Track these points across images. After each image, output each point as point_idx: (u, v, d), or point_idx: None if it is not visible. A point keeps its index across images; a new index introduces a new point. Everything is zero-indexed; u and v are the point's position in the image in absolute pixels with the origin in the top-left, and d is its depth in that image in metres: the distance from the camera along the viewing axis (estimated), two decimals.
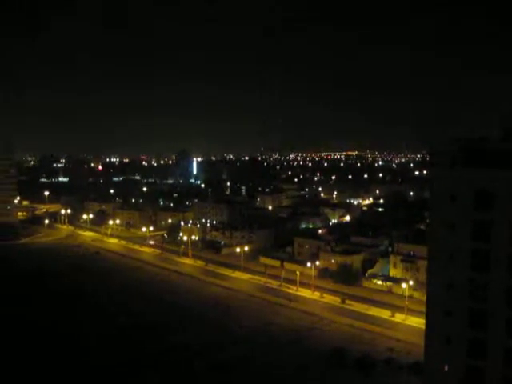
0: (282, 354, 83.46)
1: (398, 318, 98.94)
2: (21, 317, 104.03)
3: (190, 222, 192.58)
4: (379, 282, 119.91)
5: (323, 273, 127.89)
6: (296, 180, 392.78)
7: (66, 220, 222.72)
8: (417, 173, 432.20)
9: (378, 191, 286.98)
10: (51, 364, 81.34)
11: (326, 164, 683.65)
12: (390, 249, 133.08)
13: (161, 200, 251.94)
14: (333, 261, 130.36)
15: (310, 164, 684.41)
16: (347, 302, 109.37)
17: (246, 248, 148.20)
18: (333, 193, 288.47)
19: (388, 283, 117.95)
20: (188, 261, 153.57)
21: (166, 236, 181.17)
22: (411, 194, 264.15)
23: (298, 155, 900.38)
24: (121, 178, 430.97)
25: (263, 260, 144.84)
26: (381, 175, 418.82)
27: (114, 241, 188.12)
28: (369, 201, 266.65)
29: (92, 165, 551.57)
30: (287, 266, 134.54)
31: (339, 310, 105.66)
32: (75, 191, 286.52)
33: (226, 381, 75.16)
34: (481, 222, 52.83)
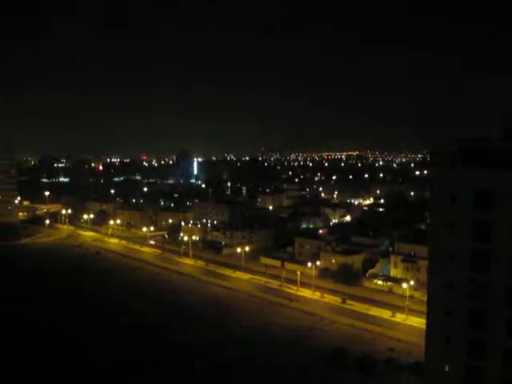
0: (283, 354, 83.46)
1: (399, 318, 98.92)
2: (21, 317, 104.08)
3: (191, 222, 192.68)
4: (380, 282, 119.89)
5: (324, 273, 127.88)
6: (296, 180, 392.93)
7: (67, 220, 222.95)
8: (417, 173, 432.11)
9: (378, 191, 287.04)
10: (51, 364, 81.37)
11: (326, 164, 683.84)
12: (390, 249, 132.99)
13: (161, 200, 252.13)
14: (333, 261, 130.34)
15: (310, 164, 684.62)
16: (348, 302, 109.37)
17: (247, 248, 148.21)
18: (333, 193, 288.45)
19: (389, 283, 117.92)
20: (189, 261, 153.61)
21: (166, 236, 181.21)
22: (412, 194, 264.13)
23: (298, 155, 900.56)
24: (121, 178, 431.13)
25: (264, 260, 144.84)
26: (381, 175, 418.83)
27: (114, 241, 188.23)
28: (369, 201, 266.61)
29: (92, 165, 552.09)
30: (288, 266, 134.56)
31: (340, 310, 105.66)
32: (76, 191, 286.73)
33: (226, 381, 75.17)
34: (481, 222, 52.81)
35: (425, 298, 60.73)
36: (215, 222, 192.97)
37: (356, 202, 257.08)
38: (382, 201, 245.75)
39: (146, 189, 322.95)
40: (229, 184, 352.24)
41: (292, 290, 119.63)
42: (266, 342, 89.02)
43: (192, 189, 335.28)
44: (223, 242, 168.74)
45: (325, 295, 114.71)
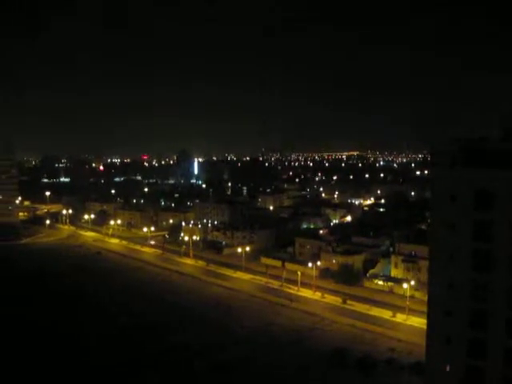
0: (283, 355, 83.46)
1: (400, 318, 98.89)
2: (21, 317, 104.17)
3: (192, 222, 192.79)
4: (380, 283, 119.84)
5: (324, 273, 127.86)
6: (297, 180, 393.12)
7: (68, 220, 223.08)
8: (418, 173, 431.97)
9: (379, 191, 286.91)
10: (51, 364, 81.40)
11: (327, 164, 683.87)
12: (391, 249, 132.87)
13: (162, 200, 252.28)
14: (334, 261, 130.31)
15: (311, 164, 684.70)
16: (348, 302, 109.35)
17: (248, 248, 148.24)
18: (334, 193, 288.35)
19: (389, 283, 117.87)
20: (189, 261, 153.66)
21: (167, 236, 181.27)
22: (412, 194, 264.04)
23: (299, 155, 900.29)
24: (122, 179, 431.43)
25: (264, 260, 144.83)
26: (382, 175, 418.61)
27: (115, 241, 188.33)
28: (370, 201, 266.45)
29: (93, 165, 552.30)
30: (288, 266, 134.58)
31: (340, 310, 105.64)
32: (76, 191, 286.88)
33: (226, 381, 75.17)
34: (481, 222, 52.80)
35: (425, 298, 60.73)
36: (216, 222, 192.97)
37: (357, 202, 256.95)
38: (382, 201, 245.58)
39: (146, 189, 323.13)
40: (229, 184, 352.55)
41: (293, 290, 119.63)
42: (267, 342, 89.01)
43: (192, 189, 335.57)
44: (224, 242, 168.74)
45: (325, 295, 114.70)
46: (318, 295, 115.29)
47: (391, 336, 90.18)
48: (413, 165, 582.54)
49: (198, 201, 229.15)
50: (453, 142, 57.93)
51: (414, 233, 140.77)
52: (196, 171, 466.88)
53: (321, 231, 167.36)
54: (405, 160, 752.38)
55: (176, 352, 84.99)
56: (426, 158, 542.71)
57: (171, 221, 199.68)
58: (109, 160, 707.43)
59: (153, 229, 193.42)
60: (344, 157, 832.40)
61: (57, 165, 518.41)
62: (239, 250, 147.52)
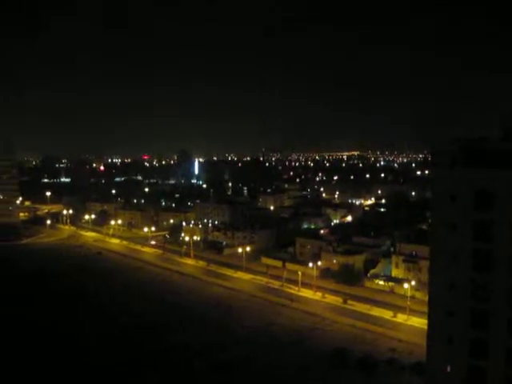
0: (284, 355, 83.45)
1: (400, 318, 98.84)
2: (21, 317, 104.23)
3: (192, 222, 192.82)
4: (381, 283, 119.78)
5: (325, 273, 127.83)
6: (298, 180, 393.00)
7: (68, 220, 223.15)
8: (418, 173, 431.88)
9: (379, 191, 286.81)
10: (51, 364, 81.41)
11: (327, 164, 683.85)
12: (391, 249, 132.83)
13: (163, 200, 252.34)
14: (335, 261, 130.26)
15: (311, 164, 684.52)
16: (349, 302, 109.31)
17: (248, 248, 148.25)
18: (335, 193, 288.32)
19: (390, 283, 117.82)
20: (190, 261, 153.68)
21: (167, 236, 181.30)
22: (413, 194, 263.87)
23: (299, 155, 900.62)
24: (123, 179, 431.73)
25: (265, 260, 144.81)
26: (382, 175, 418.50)
27: (115, 241, 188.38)
28: (371, 201, 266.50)
29: (94, 165, 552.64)
30: (289, 266, 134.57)
31: (341, 310, 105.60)
32: (77, 192, 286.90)
33: (227, 381, 75.15)
34: (481, 222, 52.78)
35: (426, 299, 60.68)
36: (216, 223, 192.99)
37: (357, 202, 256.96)
38: (383, 201, 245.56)
39: (147, 189, 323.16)
40: (230, 184, 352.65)
41: (293, 290, 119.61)
42: (268, 342, 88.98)
43: (193, 189, 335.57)
44: (224, 243, 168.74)
45: (326, 295, 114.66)
46: (318, 295, 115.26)
47: (392, 336, 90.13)
48: (413, 165, 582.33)
49: (198, 201, 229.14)
50: (453, 142, 57.90)
51: (414, 233, 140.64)
52: (196, 171, 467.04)
53: (321, 231, 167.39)
54: (405, 160, 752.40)
55: (176, 352, 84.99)
56: (426, 158, 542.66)
57: (172, 221, 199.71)
58: (109, 160, 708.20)
59: (153, 229, 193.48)
60: (345, 157, 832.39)
61: (57, 165, 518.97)
62: (240, 250, 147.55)
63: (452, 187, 54.94)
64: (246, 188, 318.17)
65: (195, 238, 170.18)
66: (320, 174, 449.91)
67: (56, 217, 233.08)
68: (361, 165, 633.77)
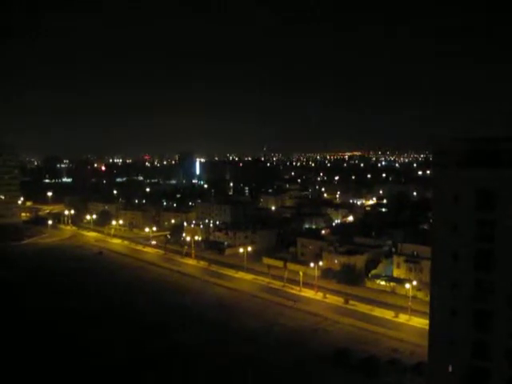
0: (286, 355, 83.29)
1: (402, 318, 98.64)
2: (22, 317, 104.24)
3: (193, 222, 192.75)
4: (383, 283, 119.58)
5: (326, 273, 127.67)
6: (299, 180, 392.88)
7: (70, 221, 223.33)
8: (420, 173, 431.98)
9: (381, 191, 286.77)
10: (51, 364, 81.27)
11: (328, 164, 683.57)
12: (393, 249, 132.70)
13: (164, 200, 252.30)
14: (336, 261, 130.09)
15: (312, 164, 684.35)
16: (350, 302, 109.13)
17: (249, 248, 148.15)
18: (336, 193, 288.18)
19: (391, 284, 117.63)
20: (191, 261, 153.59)
21: (169, 236, 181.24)
22: (414, 194, 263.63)
23: (300, 155, 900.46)
24: (124, 179, 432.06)
25: (266, 260, 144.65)
26: (384, 175, 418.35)
27: (117, 241, 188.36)
28: (372, 201, 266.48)
29: (95, 165, 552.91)
30: (290, 266, 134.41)
31: (343, 310, 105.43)
32: (79, 192, 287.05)
33: (227, 381, 75.06)
34: (484, 222, 52.66)
35: (428, 299, 60.59)
36: (217, 223, 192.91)
37: (358, 203, 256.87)
38: (384, 201, 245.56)
39: (148, 189, 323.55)
40: (231, 184, 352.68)
41: (295, 290, 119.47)
42: (269, 342, 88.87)
43: (194, 189, 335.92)
44: (226, 243, 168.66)
45: (327, 296, 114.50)
46: (320, 295, 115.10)
47: (394, 336, 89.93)
48: (415, 165, 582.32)
49: (199, 201, 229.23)
50: (455, 141, 57.80)
51: (416, 233, 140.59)
52: (198, 171, 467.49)
53: (323, 231, 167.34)
54: (407, 160, 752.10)
55: (177, 352, 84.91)
56: (428, 158, 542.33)
57: (173, 221, 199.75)
58: (110, 160, 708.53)
59: (155, 229, 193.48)
60: (346, 157, 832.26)
61: (59, 165, 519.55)
62: (241, 250, 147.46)
63: (454, 187, 54.84)
64: (247, 188, 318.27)
65: (196, 238, 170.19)
66: (321, 174, 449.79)
67: (57, 217, 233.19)
68: (362, 165, 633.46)
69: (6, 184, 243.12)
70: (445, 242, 56.05)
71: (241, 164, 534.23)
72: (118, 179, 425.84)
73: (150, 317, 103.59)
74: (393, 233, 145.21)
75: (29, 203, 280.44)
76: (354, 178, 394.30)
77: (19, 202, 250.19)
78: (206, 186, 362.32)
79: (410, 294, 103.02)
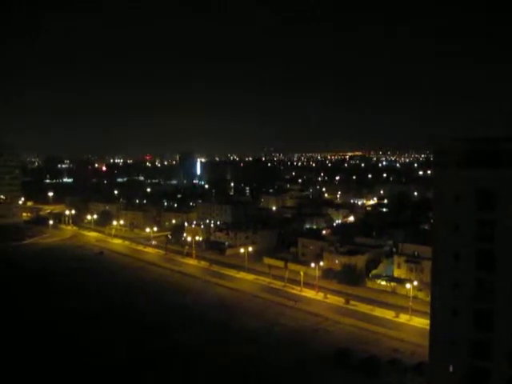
0: (287, 355, 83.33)
1: (403, 318, 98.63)
2: (22, 316, 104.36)
3: (194, 222, 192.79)
4: (383, 283, 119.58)
5: (327, 273, 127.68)
6: (300, 180, 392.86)
7: (70, 221, 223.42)
8: (421, 173, 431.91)
9: (381, 191, 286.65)
10: (51, 364, 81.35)
11: (329, 164, 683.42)
12: (394, 249, 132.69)
13: (165, 200, 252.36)
14: (337, 261, 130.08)
15: (313, 164, 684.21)
16: (351, 302, 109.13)
17: (250, 248, 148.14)
18: (337, 193, 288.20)
19: (392, 284, 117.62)
20: (192, 261, 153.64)
21: (169, 237, 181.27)
22: (415, 194, 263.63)
23: (301, 155, 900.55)
24: (125, 179, 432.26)
25: (267, 261, 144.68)
26: (385, 175, 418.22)
27: (117, 241, 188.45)
28: (373, 201, 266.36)
29: (96, 166, 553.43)
30: (291, 266, 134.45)
31: (343, 310, 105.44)
32: (79, 192, 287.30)
33: (228, 381, 75.10)
34: (484, 222, 52.68)
35: (428, 299, 60.62)
36: (218, 223, 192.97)
37: (359, 203, 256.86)
38: (385, 201, 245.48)
39: (149, 189, 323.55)
40: (232, 184, 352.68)
41: (295, 290, 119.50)
42: (270, 342, 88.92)
43: (195, 189, 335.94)
44: (226, 243, 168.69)
45: (328, 296, 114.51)
46: (320, 295, 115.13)
47: (394, 336, 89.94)
48: (415, 165, 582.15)
49: (200, 201, 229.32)
50: (455, 141, 57.81)
51: (416, 233, 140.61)
52: (198, 171, 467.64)
53: (323, 231, 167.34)
54: (408, 160, 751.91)
55: (177, 352, 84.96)
56: (428, 158, 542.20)
57: (174, 221, 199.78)
58: (111, 160, 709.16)
59: (155, 229, 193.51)
60: (347, 157, 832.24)
61: (59, 165, 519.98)
62: (242, 250, 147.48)
63: (454, 187, 54.85)
64: (248, 188, 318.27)
65: (197, 238, 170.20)
66: (322, 174, 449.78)
67: (58, 217, 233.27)
68: (363, 165, 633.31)
69: (7, 184, 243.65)
70: (446, 242, 56.06)
71: (242, 164, 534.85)
72: (119, 179, 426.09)
73: (150, 317, 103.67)
74: (393, 233, 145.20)
75: (30, 203, 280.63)
76: (354, 178, 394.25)
77: (20, 202, 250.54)
78: (206, 186, 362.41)
79: (411, 294, 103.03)
